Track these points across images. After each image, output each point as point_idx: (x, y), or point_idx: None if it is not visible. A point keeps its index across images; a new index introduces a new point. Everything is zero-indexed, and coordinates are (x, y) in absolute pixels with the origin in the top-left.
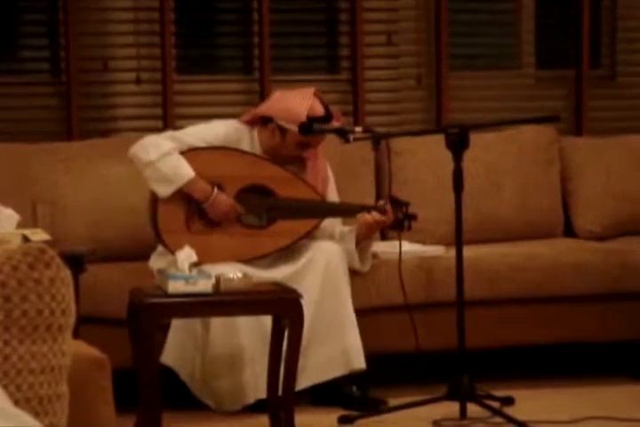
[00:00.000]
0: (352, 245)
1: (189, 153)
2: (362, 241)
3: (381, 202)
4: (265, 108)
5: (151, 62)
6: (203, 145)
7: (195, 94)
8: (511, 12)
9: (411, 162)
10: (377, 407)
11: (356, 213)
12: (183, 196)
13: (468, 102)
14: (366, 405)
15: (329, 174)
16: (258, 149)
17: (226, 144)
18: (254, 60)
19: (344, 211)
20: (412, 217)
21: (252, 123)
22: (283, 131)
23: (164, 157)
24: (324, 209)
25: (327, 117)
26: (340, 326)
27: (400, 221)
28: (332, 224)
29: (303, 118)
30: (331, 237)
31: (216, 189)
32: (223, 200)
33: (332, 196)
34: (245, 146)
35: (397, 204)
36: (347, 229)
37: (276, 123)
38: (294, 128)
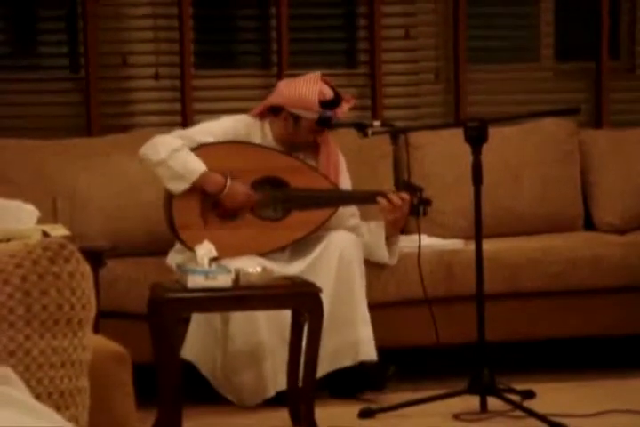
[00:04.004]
0: (381, 240)
1: (200, 149)
2: (390, 235)
3: (394, 188)
4: (274, 98)
5: (170, 57)
6: (212, 141)
7: (213, 89)
8: (530, 4)
9: (429, 156)
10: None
11: (369, 200)
12: (197, 191)
13: (486, 95)
14: (378, 375)
15: (341, 160)
16: (270, 141)
17: (235, 139)
18: (272, 54)
19: (358, 198)
20: (427, 202)
21: (262, 115)
22: (296, 118)
23: (174, 153)
24: (338, 197)
25: (337, 100)
26: (353, 316)
27: (415, 207)
28: (348, 214)
29: (315, 103)
30: (351, 229)
31: (229, 179)
32: (238, 188)
33: (345, 181)
34: (257, 139)
35: (411, 189)
36: (374, 223)
37: (287, 111)
38: (307, 114)
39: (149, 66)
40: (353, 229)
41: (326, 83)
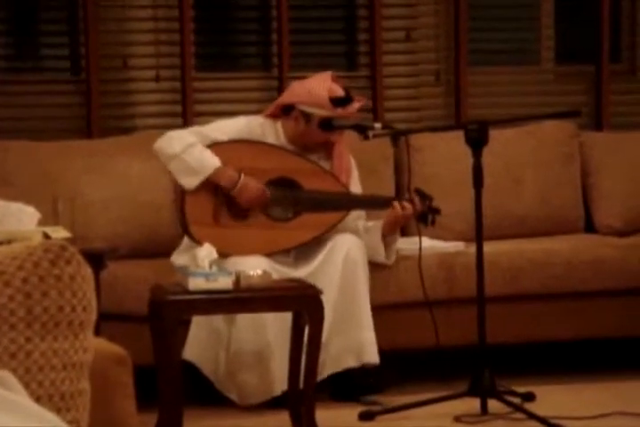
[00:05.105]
0: (377, 239)
1: (214, 147)
2: (387, 234)
3: (407, 195)
4: (285, 97)
5: (170, 60)
6: (226, 139)
7: (214, 91)
8: (530, 6)
9: (430, 158)
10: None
11: (381, 206)
12: (210, 188)
13: (487, 98)
14: (379, 382)
15: (352, 165)
16: (284, 142)
17: (250, 138)
18: (273, 57)
19: (370, 203)
20: (436, 211)
21: (275, 115)
22: (306, 116)
23: (189, 148)
24: (350, 201)
25: (348, 98)
26: (356, 318)
27: (424, 215)
28: (355, 216)
29: (326, 100)
30: (354, 231)
31: (243, 175)
32: (251, 185)
33: (355, 187)
34: (271, 140)
35: (422, 197)
36: (371, 223)
37: (298, 109)
38: (318, 112)
39: (150, 68)
40: (356, 231)
41: (337, 82)
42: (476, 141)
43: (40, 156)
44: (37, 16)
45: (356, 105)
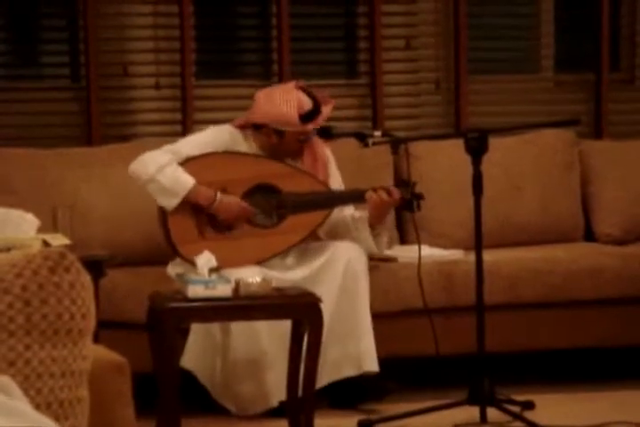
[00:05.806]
0: (366, 232)
1: (188, 163)
2: (375, 225)
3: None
4: (255, 116)
5: (171, 67)
6: (199, 153)
7: (214, 99)
8: (530, 15)
9: (430, 166)
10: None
11: (360, 199)
12: (191, 205)
13: (486, 106)
14: (378, 387)
15: (328, 156)
16: (255, 150)
17: (222, 149)
18: (273, 64)
19: (351, 197)
20: (420, 197)
21: (245, 128)
22: (279, 133)
23: (163, 169)
24: (331, 198)
25: (316, 108)
26: (356, 327)
27: (409, 202)
28: (340, 210)
29: (295, 119)
30: (343, 222)
31: (219, 193)
32: (229, 202)
33: (335, 179)
34: (242, 148)
35: (404, 184)
36: (357, 214)
37: (270, 127)
38: (290, 128)
39: (150, 76)
40: (345, 224)
41: (303, 90)
42: (476, 150)
43: (40, 163)
44: (37, 23)
45: (325, 112)
